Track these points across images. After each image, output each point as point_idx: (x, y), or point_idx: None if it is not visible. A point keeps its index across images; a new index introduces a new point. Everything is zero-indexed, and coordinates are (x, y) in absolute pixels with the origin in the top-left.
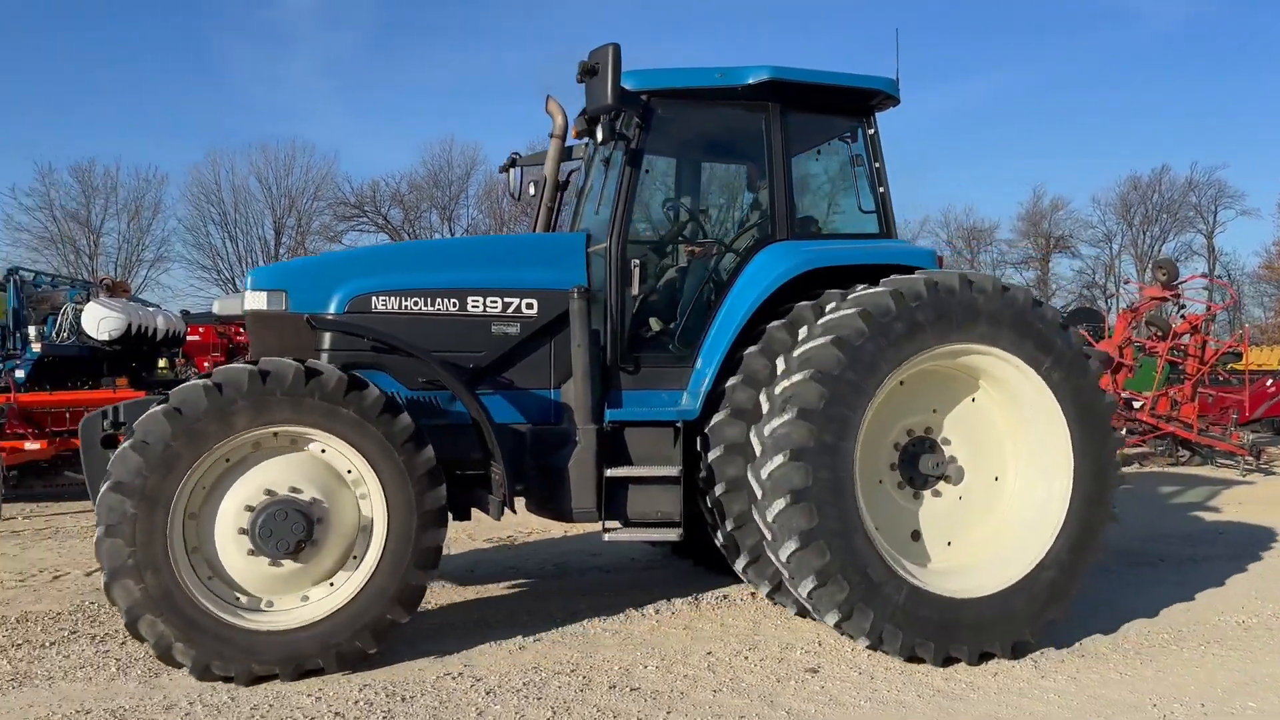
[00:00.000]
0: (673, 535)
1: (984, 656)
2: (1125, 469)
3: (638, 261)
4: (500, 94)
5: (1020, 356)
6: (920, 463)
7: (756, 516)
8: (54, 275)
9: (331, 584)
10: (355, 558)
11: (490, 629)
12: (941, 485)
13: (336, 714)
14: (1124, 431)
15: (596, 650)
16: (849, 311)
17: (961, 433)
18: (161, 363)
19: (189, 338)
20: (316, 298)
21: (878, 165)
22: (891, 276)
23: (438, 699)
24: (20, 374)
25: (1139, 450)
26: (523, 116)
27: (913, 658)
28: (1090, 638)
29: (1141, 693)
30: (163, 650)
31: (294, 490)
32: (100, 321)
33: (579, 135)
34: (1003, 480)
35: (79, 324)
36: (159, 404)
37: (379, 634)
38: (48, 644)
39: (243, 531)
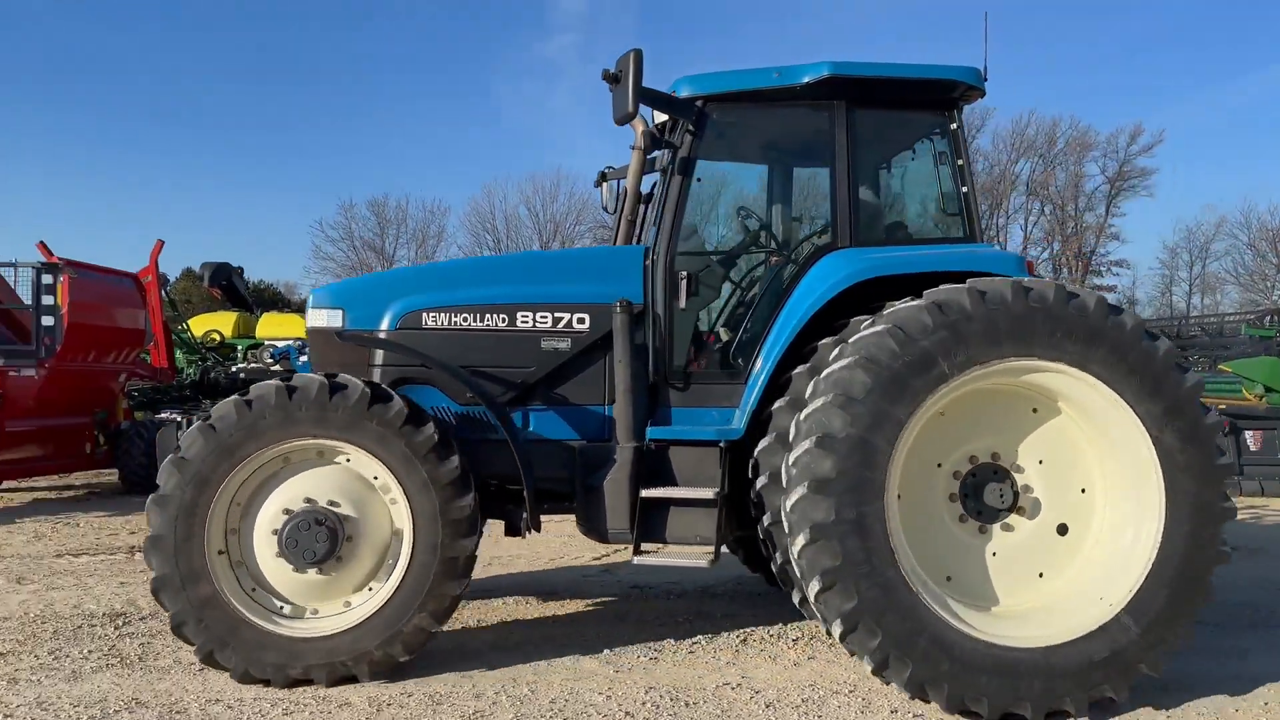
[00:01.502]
0: (702, 561)
1: (1052, 715)
2: None
3: (685, 273)
4: None
5: (1093, 373)
6: (986, 493)
7: (789, 551)
8: None
9: (365, 592)
10: (388, 567)
11: (763, 643)
12: (1012, 519)
13: (627, 713)
14: None
15: None
16: (879, 329)
17: (1038, 461)
18: None
19: None
20: (371, 315)
21: (961, 163)
22: (940, 287)
23: (719, 707)
24: None
25: None
26: None
27: (965, 711)
28: None
29: None
30: (178, 625)
31: (331, 504)
32: None
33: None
34: (1084, 514)
35: None
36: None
37: (410, 644)
38: None
39: (274, 533)
